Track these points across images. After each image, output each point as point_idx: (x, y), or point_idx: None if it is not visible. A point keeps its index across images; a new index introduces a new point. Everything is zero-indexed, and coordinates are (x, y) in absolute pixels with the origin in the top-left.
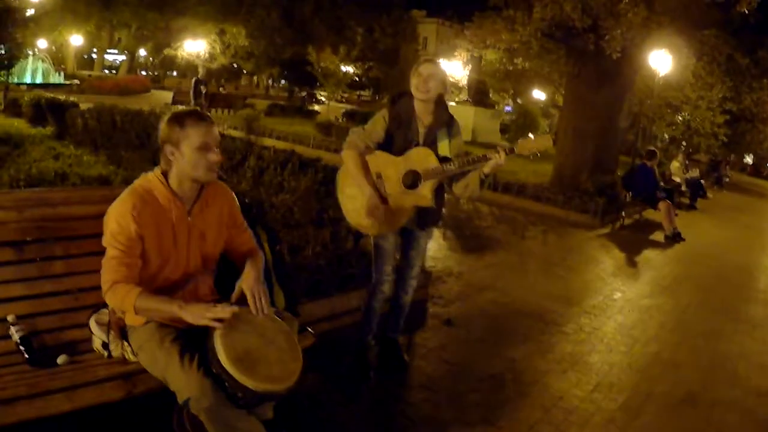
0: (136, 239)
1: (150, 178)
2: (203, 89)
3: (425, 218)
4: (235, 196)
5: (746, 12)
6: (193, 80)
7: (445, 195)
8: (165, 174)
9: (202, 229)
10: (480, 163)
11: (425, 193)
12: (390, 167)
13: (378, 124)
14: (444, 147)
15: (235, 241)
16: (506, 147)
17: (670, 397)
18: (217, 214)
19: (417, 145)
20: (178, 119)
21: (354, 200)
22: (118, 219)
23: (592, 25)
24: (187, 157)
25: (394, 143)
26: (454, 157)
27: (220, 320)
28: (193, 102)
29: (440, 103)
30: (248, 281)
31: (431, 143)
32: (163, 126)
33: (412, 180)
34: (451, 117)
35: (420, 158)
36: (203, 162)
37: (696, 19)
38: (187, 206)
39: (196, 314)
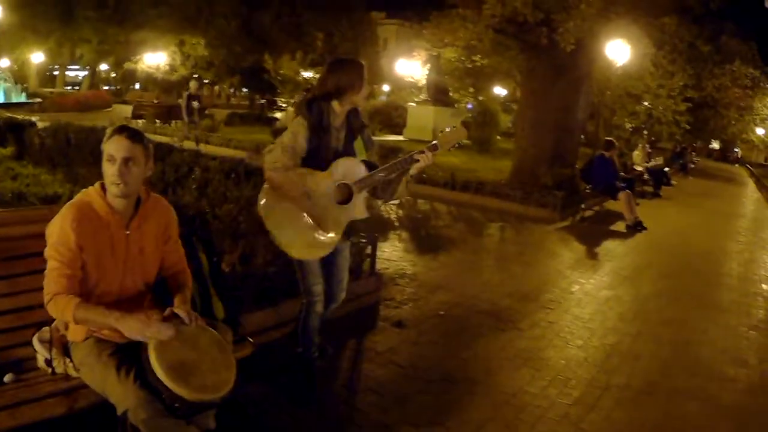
0: (75, 250)
1: (89, 192)
2: (196, 105)
3: (351, 229)
4: (173, 212)
5: None
6: (185, 95)
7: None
8: (104, 187)
9: (140, 243)
10: (408, 166)
11: (360, 206)
12: (318, 184)
13: (300, 135)
14: (362, 152)
15: (167, 259)
16: (430, 146)
17: (628, 389)
18: (155, 229)
19: (338, 153)
20: (108, 134)
21: (291, 227)
22: (57, 231)
23: (544, 18)
24: (103, 169)
25: (314, 153)
26: (377, 163)
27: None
28: (186, 119)
29: (354, 108)
30: (179, 309)
31: (351, 150)
32: None
33: (343, 194)
34: (363, 122)
35: (348, 169)
36: (108, 174)
37: (655, 7)
38: (124, 220)
39: (134, 330)
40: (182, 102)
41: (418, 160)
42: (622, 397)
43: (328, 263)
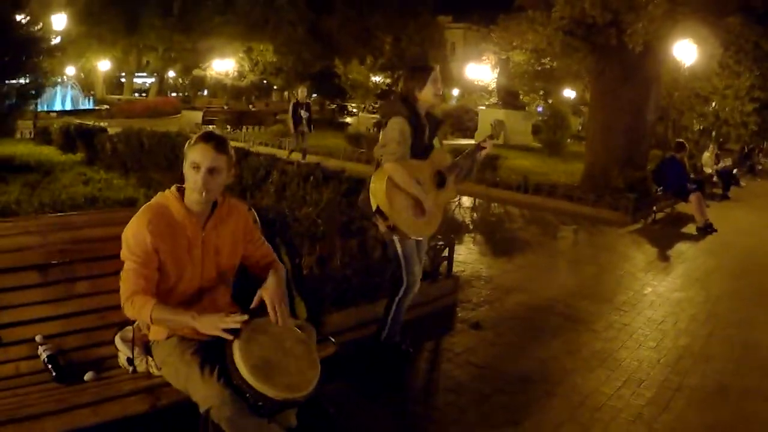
0: (151, 252)
1: (166, 195)
2: (304, 114)
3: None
4: (249, 214)
5: None
6: (292, 104)
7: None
8: (182, 191)
9: (217, 244)
10: (478, 153)
11: (452, 188)
12: (422, 172)
13: (405, 131)
14: (438, 145)
15: (253, 256)
16: (488, 136)
17: (700, 390)
18: (231, 230)
19: (427, 147)
20: (191, 140)
21: (406, 210)
22: (134, 233)
23: (612, 20)
24: (185, 174)
25: (412, 147)
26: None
27: (233, 331)
28: (293, 130)
29: (430, 107)
30: (268, 289)
31: (432, 144)
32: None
33: (439, 179)
34: (440, 120)
35: (440, 158)
36: (191, 180)
37: (719, 8)
38: (201, 221)
39: (208, 325)
40: (288, 111)
41: (485, 147)
42: (695, 397)
43: (417, 246)
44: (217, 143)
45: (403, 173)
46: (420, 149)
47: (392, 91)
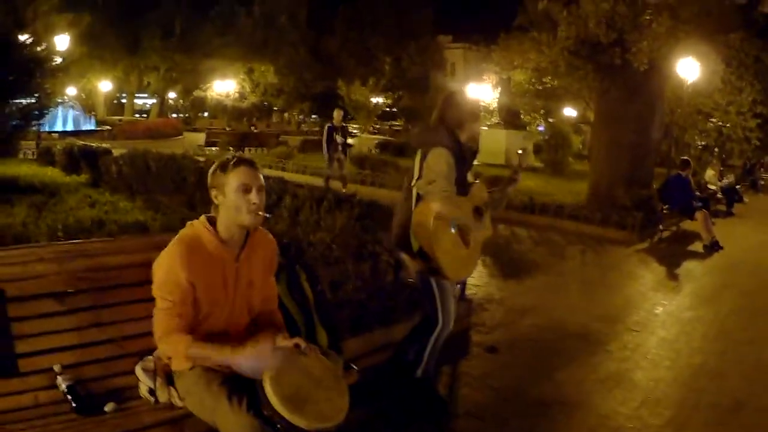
0: (187, 288)
1: (196, 226)
2: (339, 139)
3: None
4: (275, 243)
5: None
6: (326, 128)
7: None
8: (211, 221)
9: (250, 276)
10: (511, 186)
11: (488, 224)
12: (463, 208)
13: (450, 166)
14: (471, 177)
15: (265, 293)
16: (518, 165)
17: (717, 408)
18: (262, 261)
19: (464, 180)
20: (222, 165)
21: (454, 252)
22: (166, 269)
23: (617, 39)
24: (229, 200)
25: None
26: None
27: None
28: (326, 155)
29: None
30: (299, 340)
31: (467, 176)
32: (210, 172)
33: (478, 216)
34: (475, 150)
35: (478, 193)
36: (244, 204)
37: (720, 24)
38: (234, 253)
39: (249, 361)
40: (323, 136)
41: (517, 180)
42: (712, 416)
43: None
44: (253, 164)
45: (454, 212)
46: (460, 184)
47: (393, 112)
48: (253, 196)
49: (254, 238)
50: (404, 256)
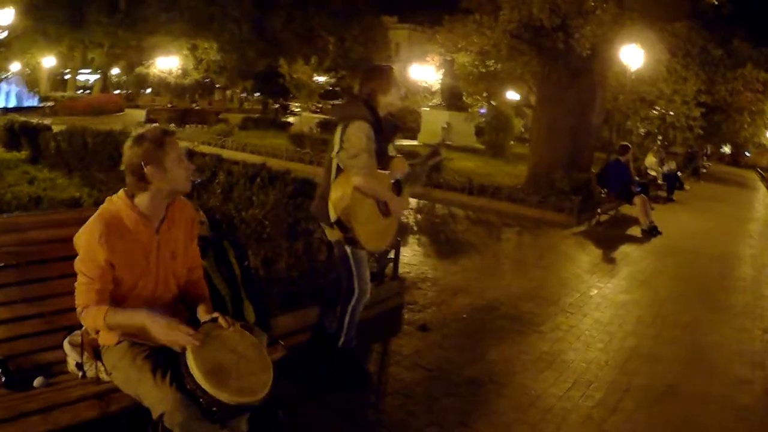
0: (105, 267)
1: (115, 201)
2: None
3: None
4: (197, 214)
5: (715, 2)
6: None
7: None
8: (130, 196)
9: (172, 247)
10: (432, 160)
11: (408, 197)
12: (382, 182)
13: (370, 139)
14: (392, 150)
15: (189, 262)
16: (440, 142)
17: (649, 391)
18: (183, 231)
19: (382, 153)
20: (152, 139)
21: (371, 223)
22: (85, 247)
23: (560, 24)
24: (170, 171)
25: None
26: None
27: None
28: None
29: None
30: (206, 308)
31: (387, 150)
32: (133, 148)
33: (397, 189)
34: (397, 125)
35: (398, 166)
36: (183, 172)
37: (667, 13)
38: (155, 225)
39: (161, 331)
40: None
41: (439, 154)
42: (643, 398)
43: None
44: (173, 132)
45: (375, 186)
46: (379, 157)
47: (336, 92)
48: (188, 163)
49: (174, 208)
50: (324, 226)
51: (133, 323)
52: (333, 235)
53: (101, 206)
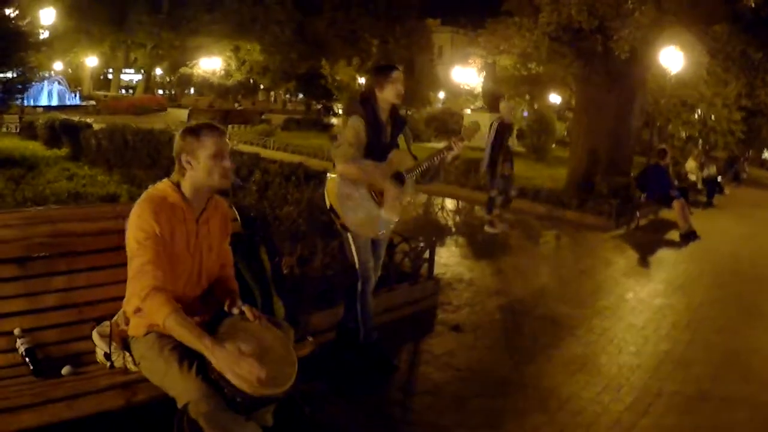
0: (160, 239)
1: (160, 187)
2: (513, 145)
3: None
4: (230, 211)
5: (753, 6)
6: (494, 125)
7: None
8: (176, 184)
9: (209, 240)
10: (443, 155)
11: (410, 189)
12: (378, 173)
13: (360, 130)
14: (403, 144)
15: (222, 259)
16: (458, 137)
17: (680, 396)
18: (219, 226)
19: (388, 146)
20: (193, 131)
21: (361, 210)
22: (141, 225)
23: (599, 26)
24: (202, 164)
25: (370, 147)
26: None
27: (209, 329)
28: (487, 172)
29: (395, 107)
30: (246, 307)
31: (396, 144)
32: (178, 138)
33: (398, 181)
34: (404, 119)
35: (400, 159)
36: (218, 169)
37: (706, 15)
38: (196, 214)
39: (223, 362)
40: (487, 137)
41: (452, 149)
42: (674, 403)
43: (374, 243)
44: (224, 131)
45: (353, 172)
46: (378, 149)
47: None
48: (226, 162)
49: (212, 203)
50: (333, 216)
51: (191, 342)
52: (336, 222)
53: (146, 190)
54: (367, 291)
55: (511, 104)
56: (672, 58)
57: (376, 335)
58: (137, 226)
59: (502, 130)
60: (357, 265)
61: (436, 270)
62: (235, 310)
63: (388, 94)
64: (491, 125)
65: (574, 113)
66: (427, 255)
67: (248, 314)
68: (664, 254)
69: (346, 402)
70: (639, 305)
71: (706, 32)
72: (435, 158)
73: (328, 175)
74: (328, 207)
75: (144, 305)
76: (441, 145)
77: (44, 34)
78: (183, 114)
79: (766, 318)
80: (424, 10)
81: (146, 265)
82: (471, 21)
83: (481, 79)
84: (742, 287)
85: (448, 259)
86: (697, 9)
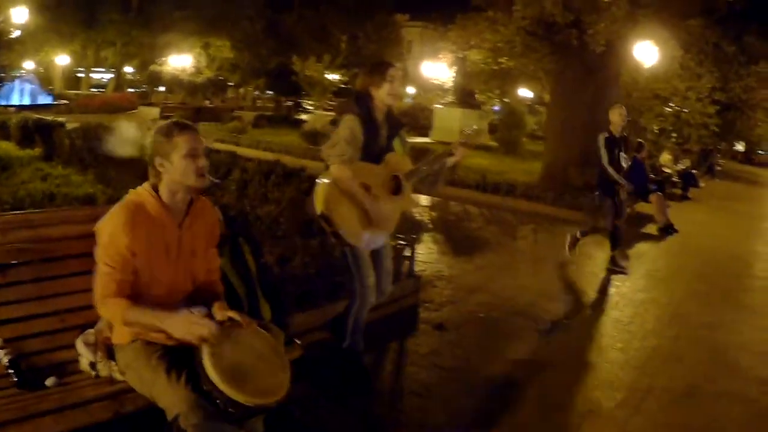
0: (127, 255)
1: (140, 192)
2: (624, 161)
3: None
4: (218, 213)
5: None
6: (603, 139)
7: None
8: (155, 188)
9: (192, 245)
10: (445, 160)
11: (409, 196)
12: (373, 176)
13: (356, 129)
14: (399, 148)
15: (208, 263)
16: (460, 142)
17: (671, 392)
18: (204, 231)
19: (383, 149)
20: (163, 132)
21: (351, 218)
22: (110, 235)
23: (574, 20)
24: (176, 165)
25: (365, 149)
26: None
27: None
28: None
29: (390, 109)
30: (222, 308)
31: (391, 147)
32: (150, 141)
33: (394, 186)
34: (401, 122)
35: (397, 163)
36: (192, 168)
37: (681, 10)
38: (177, 220)
39: (179, 328)
40: (600, 151)
41: (454, 154)
42: (665, 399)
43: (376, 255)
44: (196, 129)
45: (348, 177)
46: (374, 151)
47: (349, 89)
48: (201, 161)
49: (196, 207)
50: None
51: (152, 323)
52: (328, 231)
53: (125, 196)
54: (363, 310)
55: (621, 111)
56: (646, 52)
57: (362, 345)
58: (107, 234)
59: (611, 145)
60: (356, 283)
61: (416, 267)
62: (223, 315)
63: (384, 93)
64: (598, 140)
65: (549, 107)
66: (407, 252)
67: (238, 319)
68: (642, 248)
69: (334, 404)
70: (622, 300)
71: (680, 26)
72: (435, 163)
73: (319, 180)
74: (318, 214)
75: (100, 312)
76: (416, 140)
77: (16, 33)
78: (154, 112)
79: (749, 311)
80: (393, 6)
81: (104, 276)
82: (441, 16)
83: (452, 74)
84: (722, 280)
85: (427, 256)
86: (671, 3)
